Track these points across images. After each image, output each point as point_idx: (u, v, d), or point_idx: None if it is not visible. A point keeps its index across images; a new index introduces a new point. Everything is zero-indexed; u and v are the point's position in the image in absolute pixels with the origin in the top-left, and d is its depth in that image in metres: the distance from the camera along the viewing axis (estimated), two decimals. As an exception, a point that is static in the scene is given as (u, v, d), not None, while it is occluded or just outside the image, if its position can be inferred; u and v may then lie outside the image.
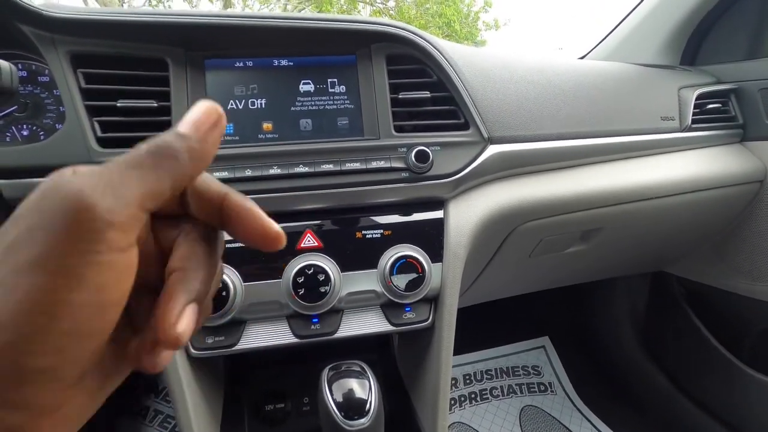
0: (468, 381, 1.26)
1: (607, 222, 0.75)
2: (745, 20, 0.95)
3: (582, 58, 1.21)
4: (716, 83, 0.90)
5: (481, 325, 1.32)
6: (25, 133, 0.57)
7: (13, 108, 0.57)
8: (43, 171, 0.50)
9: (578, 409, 1.20)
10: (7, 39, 0.54)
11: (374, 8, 10.26)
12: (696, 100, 0.83)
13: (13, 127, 0.57)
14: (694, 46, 1.02)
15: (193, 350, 0.51)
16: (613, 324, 1.28)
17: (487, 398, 1.22)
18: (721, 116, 0.86)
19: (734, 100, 0.89)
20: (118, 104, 0.51)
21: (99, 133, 0.51)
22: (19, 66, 0.58)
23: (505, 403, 1.21)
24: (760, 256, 0.89)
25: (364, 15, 10.19)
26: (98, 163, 0.51)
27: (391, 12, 10.06)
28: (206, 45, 0.56)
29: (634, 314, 1.22)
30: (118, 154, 0.49)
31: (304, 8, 9.40)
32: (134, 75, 0.53)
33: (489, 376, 1.28)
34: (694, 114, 0.82)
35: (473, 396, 1.22)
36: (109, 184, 0.17)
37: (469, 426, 1.14)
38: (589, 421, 1.16)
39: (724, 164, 0.82)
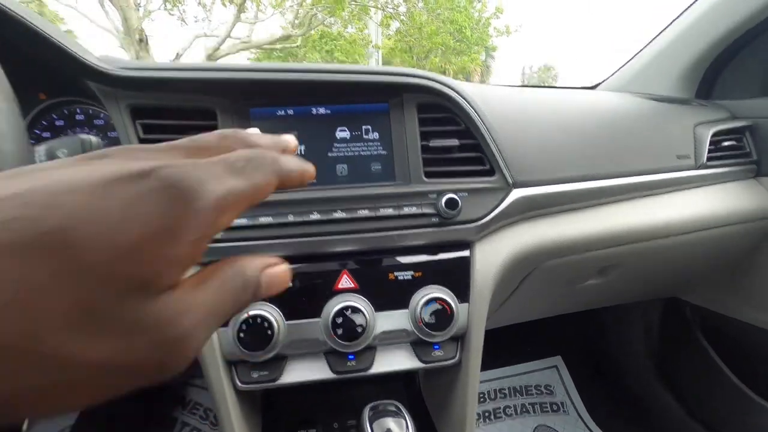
0: (482, 399, 1.29)
1: (625, 258, 0.78)
2: (761, 57, 0.97)
3: (597, 86, 1.24)
4: (731, 119, 0.92)
5: (495, 345, 1.35)
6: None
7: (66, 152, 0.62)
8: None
9: (590, 430, 1.23)
10: (71, 89, 0.59)
11: (385, 13, 10.32)
12: (712, 137, 0.86)
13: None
14: (710, 79, 1.04)
15: (240, 384, 0.55)
16: (626, 346, 1.30)
17: (501, 417, 1.25)
18: (735, 153, 0.89)
19: (749, 136, 0.91)
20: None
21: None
22: (78, 110, 0.63)
23: (518, 422, 1.24)
24: (773, 289, 0.91)
25: (372, 27, 10.24)
26: None
27: (402, 17, 10.11)
28: (252, 96, 0.60)
29: (647, 338, 1.25)
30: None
31: (316, 13, 9.50)
32: (187, 125, 0.58)
33: (502, 395, 1.31)
34: (709, 151, 0.84)
35: (487, 414, 1.25)
36: (213, 176, 0.18)
37: (483, 445, 1.17)
38: (601, 442, 1.19)
39: (738, 200, 0.85)
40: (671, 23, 1.05)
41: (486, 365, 1.40)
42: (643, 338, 1.26)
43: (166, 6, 10.40)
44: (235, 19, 8.99)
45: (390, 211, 0.58)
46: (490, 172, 0.63)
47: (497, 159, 0.63)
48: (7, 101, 0.33)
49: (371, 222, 0.58)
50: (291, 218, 0.56)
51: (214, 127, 0.58)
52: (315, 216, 0.57)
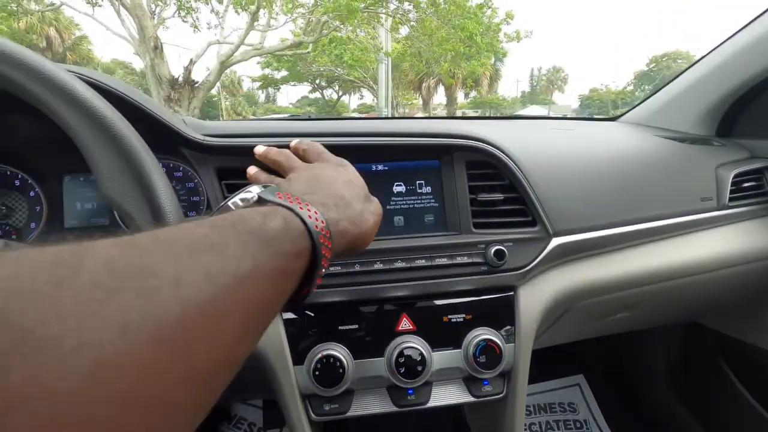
0: None
1: (653, 296, 0.84)
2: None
3: (618, 117, 1.30)
4: (751, 159, 0.98)
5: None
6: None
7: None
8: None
9: (613, 448, 1.28)
10: (168, 151, 0.67)
11: (395, 20, 10.41)
12: (733, 178, 0.91)
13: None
14: (730, 118, 1.09)
15: (314, 416, 0.63)
16: (647, 368, 1.35)
17: (526, 433, 1.31)
18: (757, 192, 0.94)
19: (768, 176, 0.97)
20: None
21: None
22: (171, 166, 0.71)
23: (543, 438, 1.30)
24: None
25: (382, 32, 10.30)
26: None
27: (412, 23, 10.20)
28: (319, 156, 0.67)
29: (668, 361, 1.30)
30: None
31: (327, 20, 9.62)
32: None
33: (528, 412, 1.37)
34: (730, 192, 0.90)
35: (513, 431, 1.31)
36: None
37: (511, 460, 1.23)
38: (624, 459, 1.24)
39: (758, 239, 0.90)
40: (697, 62, 1.10)
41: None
42: (664, 361, 1.31)
43: (180, 13, 10.58)
44: (248, 27, 9.14)
45: (444, 261, 0.65)
46: (532, 223, 0.70)
47: (539, 211, 0.70)
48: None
49: (427, 270, 0.65)
50: (357, 268, 0.64)
51: (287, 185, 0.66)
52: (378, 266, 0.64)
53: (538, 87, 48.35)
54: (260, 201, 0.33)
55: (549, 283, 0.71)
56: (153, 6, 9.99)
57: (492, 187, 0.70)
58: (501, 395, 0.67)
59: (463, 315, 0.66)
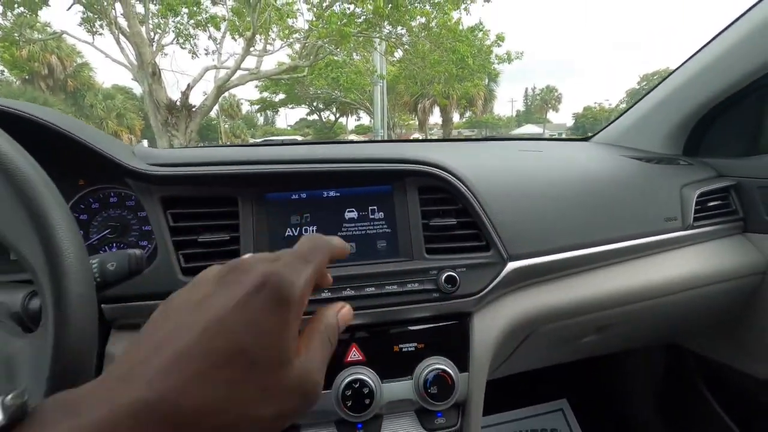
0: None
1: (620, 319, 0.82)
2: (746, 118, 1.03)
3: (590, 137, 1.30)
4: (716, 177, 0.98)
5: (500, 388, 1.37)
6: (113, 249, 0.69)
7: (107, 231, 0.69)
8: (139, 298, 0.61)
9: (597, 476, 1.23)
10: (107, 179, 0.66)
11: (389, 43, 10.65)
12: (697, 198, 0.91)
13: (105, 247, 0.69)
14: (697, 136, 1.10)
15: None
16: (630, 391, 1.32)
17: (508, 463, 1.27)
18: (722, 211, 0.94)
19: (734, 194, 0.96)
20: (199, 239, 0.62)
21: (183, 264, 0.62)
22: (111, 193, 0.70)
23: (525, 468, 1.25)
24: (766, 340, 0.94)
25: (377, 56, 10.54)
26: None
27: (405, 46, 10.42)
28: (269, 183, 0.67)
29: (649, 382, 1.27)
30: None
31: (323, 44, 9.82)
32: (210, 212, 0.64)
33: (509, 440, 1.32)
34: (695, 212, 0.89)
35: (494, 461, 1.27)
36: (296, 272, 0.28)
37: (491, 493, 1.18)
38: (609, 489, 1.19)
39: (726, 259, 0.89)
40: (662, 81, 1.11)
41: (492, 409, 1.43)
42: (647, 382, 1.28)
43: (178, 40, 10.82)
44: (244, 53, 9.32)
45: (394, 288, 0.64)
46: (486, 248, 0.69)
47: (493, 236, 0.69)
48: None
49: (377, 298, 0.63)
50: (304, 297, 0.62)
51: (234, 214, 0.65)
52: (326, 294, 0.63)
53: (532, 106, 49.07)
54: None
55: (506, 308, 0.70)
56: (152, 34, 10.22)
57: (445, 211, 0.69)
58: (455, 428, 0.64)
59: (415, 344, 0.65)
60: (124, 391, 0.22)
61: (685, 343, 1.15)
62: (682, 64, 1.07)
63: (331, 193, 0.69)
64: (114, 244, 0.69)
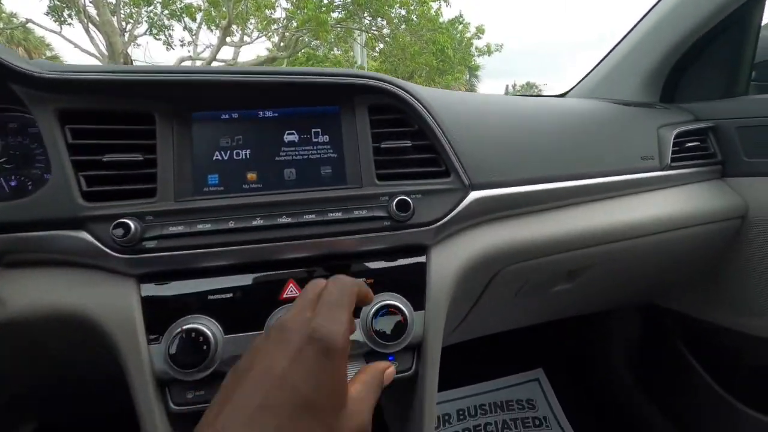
0: (462, 417, 1.24)
1: (592, 261, 0.76)
2: (720, 60, 0.98)
3: (564, 94, 1.24)
4: (694, 121, 0.93)
5: (475, 359, 1.31)
6: (13, 183, 0.59)
7: (2, 160, 0.58)
8: (30, 226, 0.51)
9: (574, 445, 1.18)
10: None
11: (369, 35, 10.54)
12: (675, 138, 0.85)
13: (1, 178, 0.58)
14: (672, 83, 1.05)
15: (173, 405, 0.51)
16: (607, 356, 1.27)
17: (482, 434, 1.20)
18: (700, 153, 0.88)
19: (712, 137, 0.91)
20: (104, 159, 0.53)
21: (84, 188, 0.52)
22: (11, 119, 0.60)
23: (499, 439, 1.19)
24: (746, 290, 0.89)
25: (357, 49, 10.44)
26: (84, 217, 0.50)
27: (386, 38, 10.32)
28: (193, 99, 0.57)
29: (627, 346, 1.22)
30: (102, 209, 0.50)
31: (302, 36, 9.65)
32: (121, 129, 0.54)
33: (483, 411, 1.26)
34: (673, 153, 0.84)
35: (467, 432, 1.20)
36: (336, 321, 0.32)
37: (463, 465, 1.12)
38: (585, 457, 1.14)
39: (704, 201, 0.84)
40: (633, 28, 1.06)
41: (467, 380, 1.37)
42: (624, 347, 1.23)
43: (151, 31, 10.47)
44: (220, 43, 9.09)
45: (339, 215, 0.55)
46: (445, 174, 0.61)
47: (452, 160, 0.61)
48: None
49: (319, 227, 0.55)
50: (232, 224, 0.53)
51: (151, 132, 0.55)
52: (258, 222, 0.54)
53: (513, 102, 49.41)
54: None
55: (468, 243, 0.62)
56: (123, 24, 9.87)
57: (399, 133, 0.61)
58: (409, 373, 0.56)
59: (363, 280, 0.56)
60: None
61: (662, 302, 1.10)
62: (650, 10, 1.02)
63: (268, 113, 0.60)
64: (13, 176, 0.59)
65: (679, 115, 0.94)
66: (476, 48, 10.91)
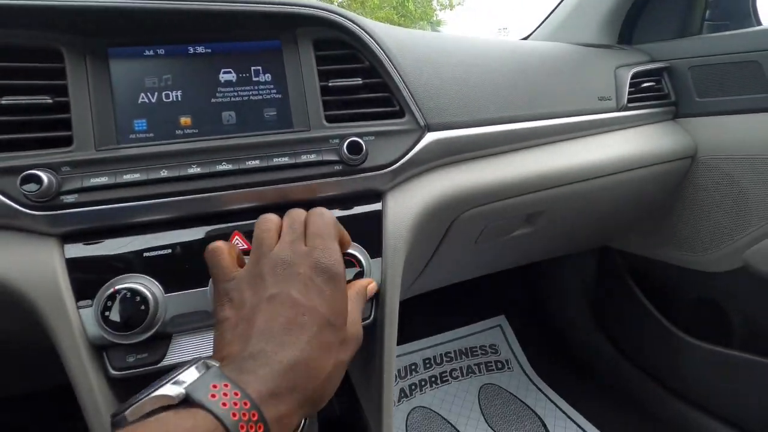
0: (428, 365, 1.28)
1: (550, 204, 0.76)
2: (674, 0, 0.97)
3: (525, 39, 1.21)
4: (650, 62, 0.92)
5: (438, 309, 1.33)
6: None
7: None
8: None
9: (534, 384, 1.25)
10: None
11: (327, -13, 9.95)
12: (631, 79, 0.85)
13: None
14: (630, 24, 1.04)
15: (112, 370, 0.47)
16: (565, 299, 1.32)
17: (447, 380, 1.24)
18: (655, 94, 0.89)
19: (667, 78, 0.92)
20: (2, 102, 0.45)
21: (-19, 136, 0.45)
22: None
23: (464, 383, 1.24)
24: (692, 229, 0.94)
25: None
26: None
27: (344, -9, 9.77)
28: (108, 32, 0.50)
29: (584, 289, 1.27)
30: (4, 160, 0.43)
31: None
32: (21, 67, 0.47)
33: (448, 359, 1.30)
34: (629, 93, 0.84)
35: (433, 379, 1.24)
36: (332, 251, 0.39)
37: (430, 409, 1.16)
38: (544, 394, 1.21)
39: (658, 142, 0.85)
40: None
41: (432, 330, 1.40)
42: (580, 289, 1.28)
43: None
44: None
45: (285, 160, 0.51)
46: (399, 114, 0.57)
47: (407, 99, 0.57)
48: None
49: (264, 174, 0.50)
50: (165, 173, 0.48)
51: (60, 71, 0.48)
52: (195, 170, 0.48)
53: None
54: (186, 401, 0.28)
55: (424, 188, 0.60)
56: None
57: (348, 71, 0.56)
58: (368, 321, 0.55)
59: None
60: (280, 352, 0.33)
61: (614, 244, 1.14)
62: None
63: (200, 49, 0.53)
64: None
65: (636, 55, 0.93)
66: (439, 2, 10.56)
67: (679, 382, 1.06)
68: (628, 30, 1.04)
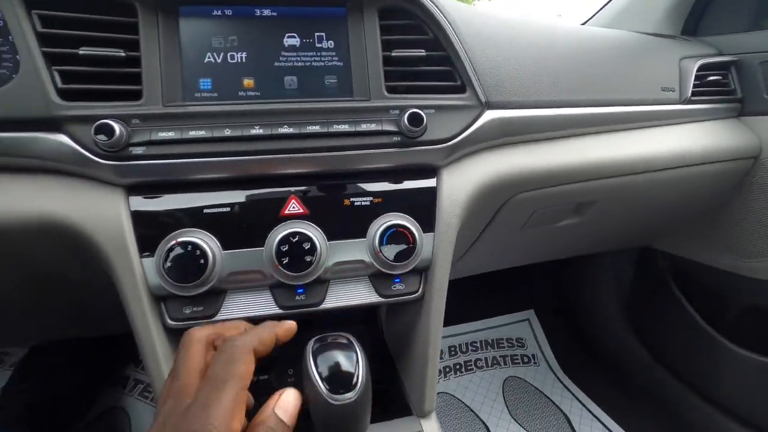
0: (453, 352, 1.27)
1: (602, 194, 0.73)
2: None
3: (584, 24, 1.17)
4: (717, 55, 0.87)
5: (468, 298, 1.32)
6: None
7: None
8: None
9: (560, 380, 1.23)
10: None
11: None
12: (697, 71, 0.80)
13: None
14: (696, 15, 0.98)
15: (169, 321, 0.48)
16: (598, 298, 1.29)
17: (472, 369, 1.24)
18: (720, 89, 0.84)
19: (734, 72, 0.87)
20: (81, 52, 0.46)
21: (60, 84, 0.46)
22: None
23: (489, 373, 1.23)
24: (748, 234, 0.89)
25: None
26: (58, 117, 0.44)
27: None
28: (180, -11, 0.50)
29: (619, 289, 1.24)
30: (80, 108, 0.45)
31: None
32: (99, 20, 0.48)
33: (474, 348, 1.29)
34: (694, 86, 0.79)
35: (458, 367, 1.24)
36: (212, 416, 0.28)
37: (454, 396, 1.16)
38: (570, 391, 1.19)
39: (720, 139, 0.81)
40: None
41: (459, 319, 1.39)
42: (615, 289, 1.25)
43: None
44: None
45: (345, 127, 0.51)
46: (461, 89, 0.56)
47: (469, 74, 0.56)
48: None
49: (323, 139, 0.50)
50: (228, 132, 0.48)
51: (133, 26, 0.48)
52: (257, 131, 0.49)
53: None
54: None
55: (480, 167, 0.58)
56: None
57: (412, 42, 0.55)
58: (416, 295, 0.55)
59: (371, 198, 0.53)
60: None
61: (658, 245, 1.10)
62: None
63: (266, 12, 0.53)
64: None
65: (702, 47, 0.88)
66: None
67: (721, 392, 1.02)
68: (693, 21, 0.99)
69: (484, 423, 1.09)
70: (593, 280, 1.30)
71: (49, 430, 0.84)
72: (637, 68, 0.76)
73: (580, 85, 0.67)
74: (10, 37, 0.49)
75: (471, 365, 1.24)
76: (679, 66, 0.81)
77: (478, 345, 1.29)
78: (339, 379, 0.37)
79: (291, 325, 0.37)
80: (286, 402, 0.33)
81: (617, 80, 0.72)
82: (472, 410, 1.12)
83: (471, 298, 1.33)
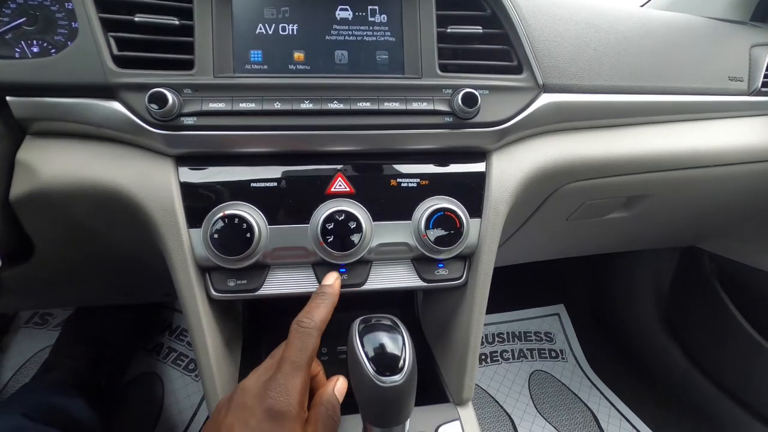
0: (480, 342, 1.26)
1: (656, 188, 0.69)
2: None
3: (643, 6, 1.10)
4: (792, 43, 0.80)
5: (497, 288, 1.30)
6: (35, 49, 0.52)
7: (22, 20, 0.52)
8: (55, 90, 0.46)
9: (588, 378, 1.20)
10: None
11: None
12: (769, 60, 0.74)
13: (22, 42, 0.52)
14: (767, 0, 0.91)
15: (214, 292, 0.49)
16: (633, 298, 1.24)
17: (498, 360, 1.22)
18: (793, 81, 0.78)
19: (810, 64, 0.80)
20: (136, 19, 0.46)
21: (115, 51, 0.46)
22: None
23: (515, 366, 1.21)
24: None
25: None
26: (113, 84, 0.43)
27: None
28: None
29: (656, 290, 1.19)
30: (135, 76, 0.44)
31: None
32: (154, 3, 0.47)
33: (501, 339, 1.27)
34: (765, 76, 0.73)
35: (484, 357, 1.22)
36: (289, 390, 0.36)
37: (479, 386, 1.15)
38: (599, 389, 1.16)
39: (789, 135, 0.75)
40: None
41: (487, 309, 1.36)
42: (652, 289, 1.20)
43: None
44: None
45: (396, 105, 0.49)
46: (517, 69, 0.53)
47: (527, 54, 0.53)
48: None
49: (373, 117, 0.49)
50: (278, 106, 0.47)
51: (187, 9, 0.48)
52: (307, 105, 0.48)
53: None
54: None
55: (532, 152, 0.56)
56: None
57: (467, 18, 0.53)
58: (459, 281, 0.53)
59: (418, 180, 0.51)
60: None
61: (704, 245, 1.04)
62: None
63: (319, -18, 0.51)
64: (35, 41, 0.53)
65: (775, 35, 0.81)
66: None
67: (757, 398, 0.98)
68: (763, 6, 0.91)
69: (508, 415, 1.08)
70: (629, 278, 1.25)
71: (92, 391, 0.88)
72: (703, 55, 0.71)
73: (641, 71, 0.63)
74: (67, 4, 0.49)
75: (497, 356, 1.22)
76: (749, 54, 0.75)
77: (505, 336, 1.27)
78: (385, 361, 0.37)
79: (337, 287, 0.45)
80: (343, 387, 0.42)
81: (681, 67, 0.67)
82: (496, 401, 1.11)
83: (500, 288, 1.31)
